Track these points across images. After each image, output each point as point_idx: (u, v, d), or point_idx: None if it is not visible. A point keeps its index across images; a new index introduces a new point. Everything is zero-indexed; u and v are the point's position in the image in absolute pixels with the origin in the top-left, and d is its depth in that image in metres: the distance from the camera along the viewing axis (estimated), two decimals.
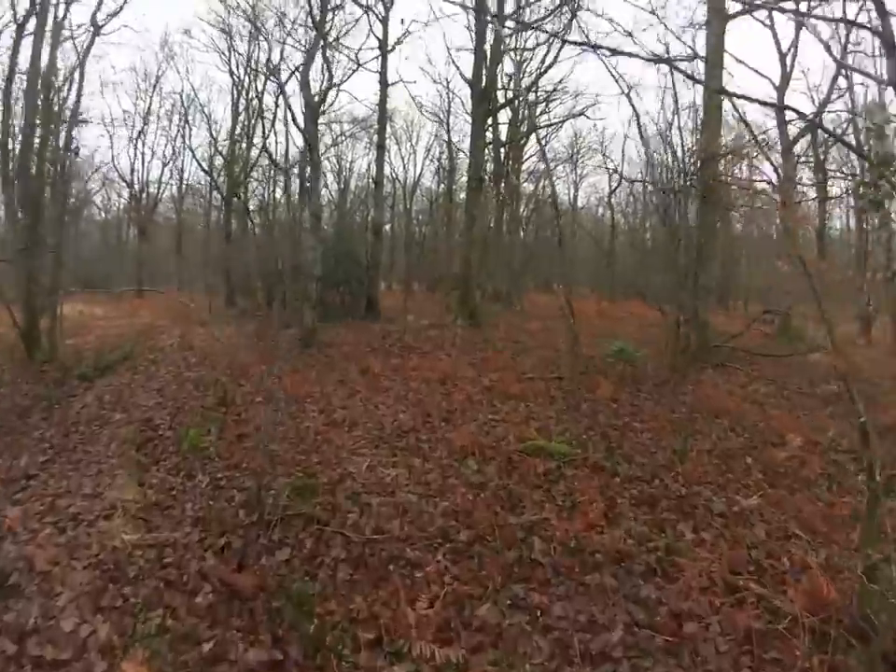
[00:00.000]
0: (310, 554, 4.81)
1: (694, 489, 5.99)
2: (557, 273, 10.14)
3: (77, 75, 16.10)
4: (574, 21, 18.46)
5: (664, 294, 16.99)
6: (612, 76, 14.46)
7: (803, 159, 20.50)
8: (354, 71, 20.09)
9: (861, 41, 16.95)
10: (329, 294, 19.28)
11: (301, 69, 15.97)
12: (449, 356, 12.34)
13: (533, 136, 25.31)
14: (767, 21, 18.87)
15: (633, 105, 10.89)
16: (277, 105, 22.41)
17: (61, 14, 15.34)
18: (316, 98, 15.42)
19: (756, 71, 18.77)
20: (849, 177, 22.09)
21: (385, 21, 20.08)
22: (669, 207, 12.74)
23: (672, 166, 13.55)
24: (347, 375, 10.71)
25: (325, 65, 15.99)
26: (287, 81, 21.28)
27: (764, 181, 18.12)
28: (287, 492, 5.61)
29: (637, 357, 10.93)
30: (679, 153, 13.43)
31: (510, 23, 17.22)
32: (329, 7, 15.41)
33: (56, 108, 15.61)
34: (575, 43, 19.61)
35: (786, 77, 19.07)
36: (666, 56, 14.70)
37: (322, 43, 15.52)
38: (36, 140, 14.62)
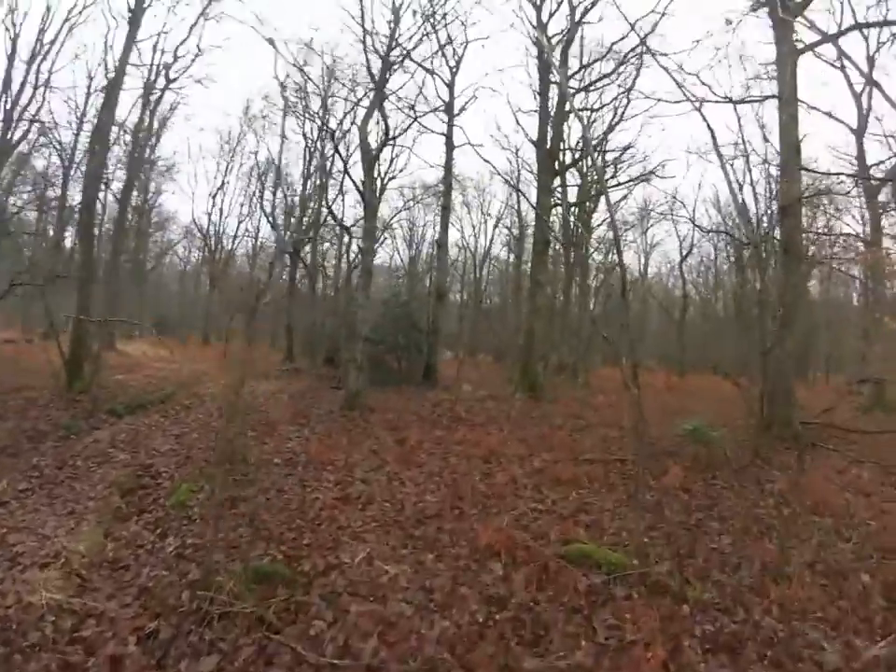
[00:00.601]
0: (242, 669, 3.52)
1: (795, 626, 4.33)
2: (623, 344, 8.93)
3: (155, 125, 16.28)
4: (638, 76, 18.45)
5: (739, 365, 15.44)
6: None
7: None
8: (409, 124, 19.47)
9: None
10: (386, 358, 18.40)
11: (359, 124, 15.46)
12: (501, 430, 11.05)
13: (602, 203, 24.31)
14: (837, 63, 17.55)
15: (714, 138, 9.71)
16: (344, 163, 21.99)
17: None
18: (373, 154, 14.75)
19: (830, 115, 17.59)
20: None
21: (451, 86, 19.73)
22: (749, 263, 11.44)
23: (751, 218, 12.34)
24: (382, 444, 9.61)
25: (381, 119, 15.35)
26: (342, 137, 21.09)
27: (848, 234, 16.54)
28: (245, 578, 4.34)
29: (714, 438, 9.34)
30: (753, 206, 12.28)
31: (573, 83, 16.69)
32: (390, 64, 14.84)
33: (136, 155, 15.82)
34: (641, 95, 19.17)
35: (863, 120, 17.71)
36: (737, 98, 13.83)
37: (381, 99, 14.94)
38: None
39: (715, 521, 6.56)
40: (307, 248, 26.29)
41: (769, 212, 12.93)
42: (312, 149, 26.08)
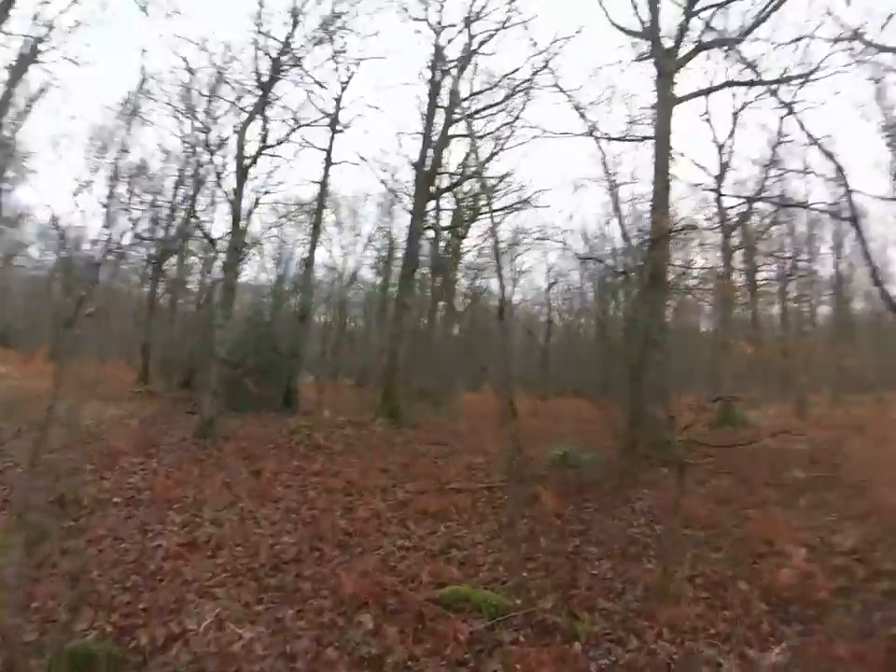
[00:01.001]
0: None
1: (689, 646, 4.14)
2: (493, 371, 8.64)
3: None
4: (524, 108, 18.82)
5: (602, 389, 15.82)
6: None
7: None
8: (289, 133, 18.53)
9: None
10: (245, 381, 17.26)
11: (236, 129, 14.54)
12: (362, 459, 10.45)
13: (473, 231, 24.46)
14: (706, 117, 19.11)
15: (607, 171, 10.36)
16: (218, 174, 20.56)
17: None
18: (247, 161, 13.84)
19: (694, 162, 19.27)
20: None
21: (338, 100, 19.02)
22: (618, 292, 11.84)
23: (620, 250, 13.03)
24: (235, 477, 8.75)
25: (262, 123, 14.51)
26: (220, 145, 19.67)
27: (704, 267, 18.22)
28: (59, 666, 3.53)
29: (584, 461, 9.27)
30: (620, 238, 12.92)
31: (460, 109, 16.72)
32: (279, 68, 14.19)
33: None
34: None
35: (723, 168, 19.43)
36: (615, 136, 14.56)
37: (264, 104, 14.15)
38: None
39: (592, 545, 6.35)
40: (172, 260, 24.49)
41: (636, 243, 13.67)
42: (188, 154, 24.17)
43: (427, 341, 23.83)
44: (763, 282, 21.75)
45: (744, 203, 19.09)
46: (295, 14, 14.52)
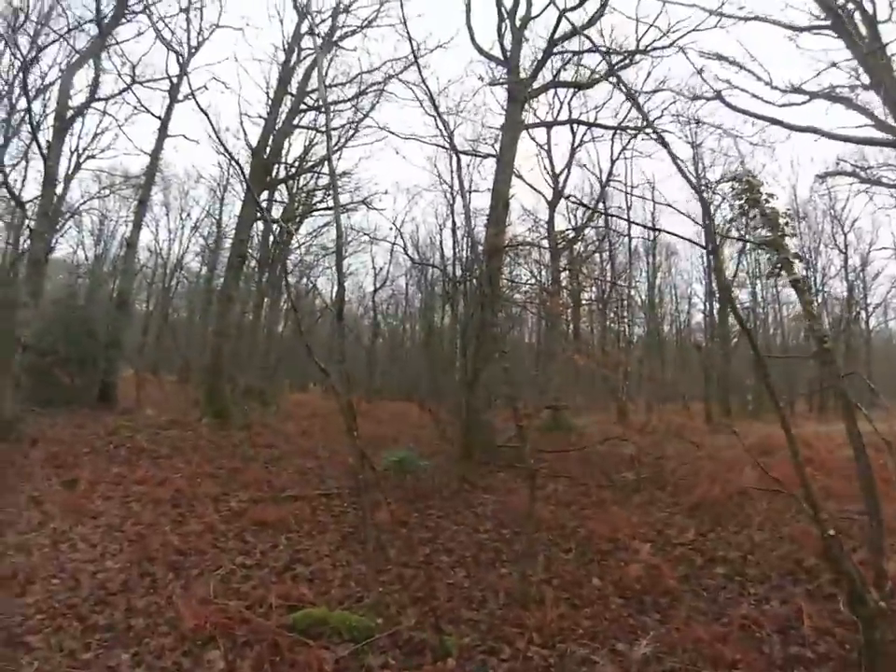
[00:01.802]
0: None
1: (561, 648, 4.06)
2: (331, 372, 8.20)
3: None
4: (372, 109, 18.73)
5: (433, 394, 15.96)
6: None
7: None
8: (125, 89, 16.51)
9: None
10: (55, 372, 15.30)
11: (63, 70, 12.54)
12: (189, 463, 9.59)
13: (303, 228, 23.67)
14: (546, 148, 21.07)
15: (461, 182, 10.75)
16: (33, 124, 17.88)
17: None
18: (71, 112, 12.10)
19: (532, 187, 22.16)
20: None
21: (184, 65, 17.26)
22: (450, 300, 12.11)
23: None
24: (46, 489, 7.62)
25: (95, 76, 12.76)
26: (43, 90, 17.07)
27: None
28: None
29: (421, 467, 9.11)
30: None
31: (308, 100, 16.14)
32: (124, 6, 12.50)
33: None
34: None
35: (557, 195, 20.83)
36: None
37: (100, 47, 12.43)
38: None
39: (443, 554, 6.16)
40: None
41: (471, 255, 14.28)
42: (2, 93, 20.74)
43: (252, 337, 22.72)
44: (586, 301, 23.26)
45: (572, 230, 21.01)
46: None
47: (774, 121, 12.12)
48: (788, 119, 12.40)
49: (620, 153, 21.50)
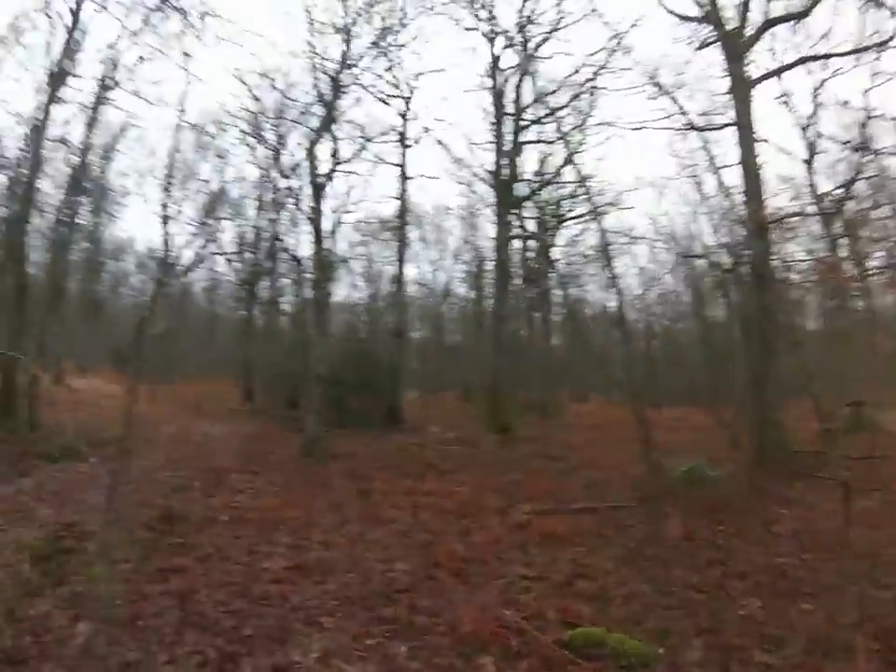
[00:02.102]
0: None
1: None
2: (620, 381, 7.95)
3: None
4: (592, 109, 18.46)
5: (715, 396, 14.97)
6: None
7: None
8: (360, 149, 18.55)
9: None
10: (347, 399, 17.22)
11: (308, 149, 14.67)
12: (475, 477, 10.00)
13: (559, 239, 23.87)
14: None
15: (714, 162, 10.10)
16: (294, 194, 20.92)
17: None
18: (321, 179, 14.00)
19: (780, 148, 18.91)
20: None
21: (404, 115, 19.10)
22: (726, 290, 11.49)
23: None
24: (344, 497, 8.48)
25: (333, 144, 14.69)
26: (294, 168, 20.06)
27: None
28: None
29: (711, 478, 8.47)
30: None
31: (525, 116, 16.46)
32: (339, 86, 14.46)
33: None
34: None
35: (812, 150, 18.50)
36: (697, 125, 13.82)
37: (330, 121, 14.44)
38: None
39: (735, 578, 5.54)
40: (264, 282, 25.28)
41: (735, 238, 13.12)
42: (265, 179, 25.04)
43: (527, 352, 23.25)
44: (873, 271, 19.70)
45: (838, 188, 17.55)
46: (347, 30, 14.69)
47: None
48: None
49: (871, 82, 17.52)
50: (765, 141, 16.45)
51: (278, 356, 23.02)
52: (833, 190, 18.17)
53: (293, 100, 18.24)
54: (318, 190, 13.84)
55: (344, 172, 19.86)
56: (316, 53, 14.23)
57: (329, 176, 15.01)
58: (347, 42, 14.51)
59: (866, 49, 14.49)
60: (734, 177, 13.91)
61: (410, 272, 32.86)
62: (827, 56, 15.62)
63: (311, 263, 15.97)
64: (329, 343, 16.64)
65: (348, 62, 14.62)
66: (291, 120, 19.14)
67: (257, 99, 20.19)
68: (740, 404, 11.36)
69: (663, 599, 4.99)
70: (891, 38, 13.38)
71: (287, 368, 20.90)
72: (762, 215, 11.61)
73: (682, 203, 27.96)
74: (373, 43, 15.63)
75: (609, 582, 5.42)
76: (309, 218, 14.50)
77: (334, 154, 14.99)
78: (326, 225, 15.15)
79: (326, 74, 14.34)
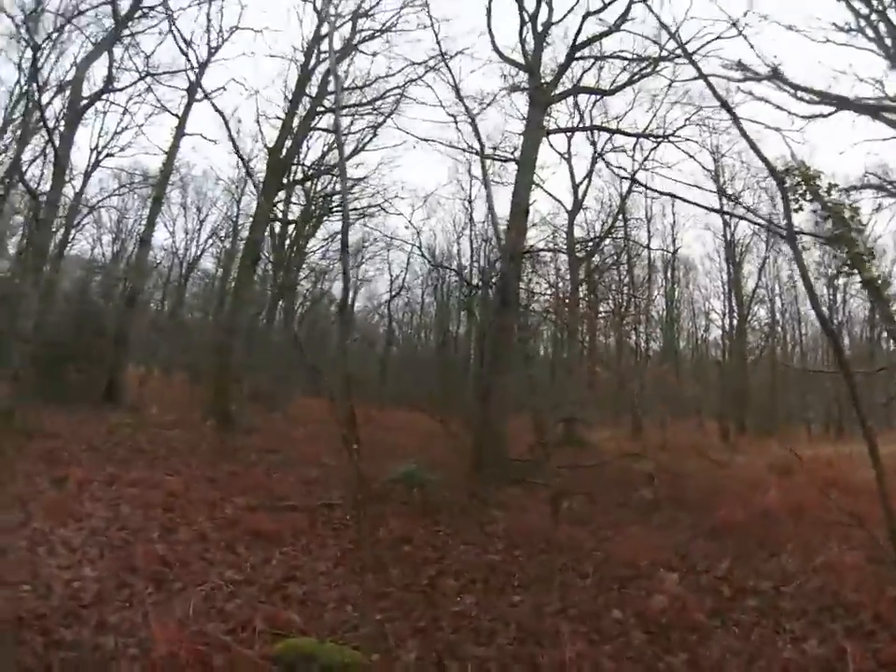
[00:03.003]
0: None
1: None
2: (330, 374, 7.75)
3: None
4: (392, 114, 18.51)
5: (445, 404, 15.62)
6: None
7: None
8: (137, 80, 16.26)
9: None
10: (65, 368, 15.02)
11: (78, 64, 12.36)
12: (188, 466, 9.18)
13: (321, 230, 23.46)
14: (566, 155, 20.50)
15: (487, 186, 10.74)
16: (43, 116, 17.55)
17: None
18: (84, 102, 11.91)
19: (552, 196, 20.88)
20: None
21: (203, 66, 17.00)
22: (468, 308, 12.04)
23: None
24: (37, 487, 7.22)
25: (109, 67, 12.59)
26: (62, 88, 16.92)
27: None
28: None
29: (430, 481, 8.60)
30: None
31: (326, 102, 15.92)
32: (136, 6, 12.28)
33: None
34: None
35: (577, 205, 20.43)
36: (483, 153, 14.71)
37: (114, 38, 12.27)
38: None
39: (450, 577, 5.61)
40: None
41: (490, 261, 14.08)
42: (24, 89, 20.42)
43: (264, 340, 22.38)
44: (603, 313, 22.63)
45: (592, 240, 20.65)
46: None
47: (835, 98, 10.39)
48: (809, 135, 11.78)
49: (641, 163, 20.67)
50: (541, 185, 18.19)
51: None
52: (586, 241, 21.14)
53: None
54: (75, 113, 11.57)
55: (120, 106, 17.25)
56: None
57: (93, 100, 12.76)
58: None
59: (647, 136, 17.00)
60: (503, 209, 14.82)
61: (161, 235, 29.82)
62: (614, 131, 18.06)
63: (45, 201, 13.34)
64: (48, 299, 14.40)
65: None
66: (68, 20, 15.72)
67: None
68: (468, 414, 11.90)
69: (378, 602, 4.84)
70: (671, 134, 16.02)
71: None
72: (517, 244, 12.21)
73: (449, 223, 29.29)
74: None
75: (322, 585, 5.19)
76: (53, 146, 11.96)
77: (109, 76, 12.76)
78: (81, 163, 12.64)
79: None
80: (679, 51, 12.69)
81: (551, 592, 5.14)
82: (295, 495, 8.30)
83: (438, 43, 10.67)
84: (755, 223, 16.76)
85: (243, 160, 19.16)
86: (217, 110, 6.16)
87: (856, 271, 5.52)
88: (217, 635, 3.96)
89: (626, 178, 19.95)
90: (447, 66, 10.52)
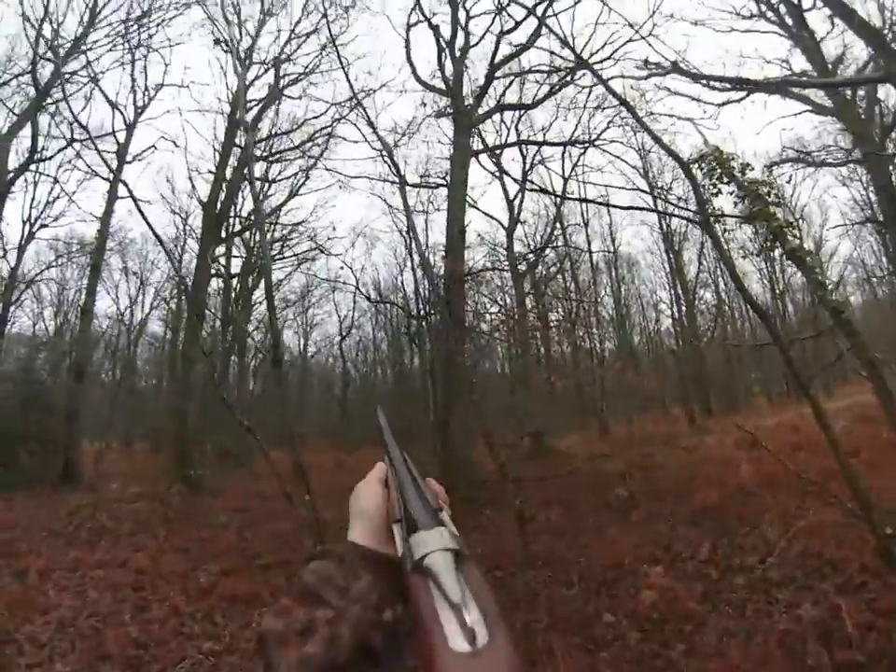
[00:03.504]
0: None
1: None
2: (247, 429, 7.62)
3: None
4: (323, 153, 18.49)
5: (409, 436, 15.60)
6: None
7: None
8: (63, 147, 15.96)
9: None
10: (15, 452, 14.47)
11: (1, 135, 12.12)
12: (155, 538, 8.90)
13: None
14: (498, 173, 20.32)
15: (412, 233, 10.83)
16: None
17: None
18: (11, 176, 11.63)
19: (488, 215, 21.07)
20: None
21: (131, 126, 16.80)
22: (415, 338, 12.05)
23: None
24: None
25: (33, 136, 12.36)
26: None
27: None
28: None
29: None
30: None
31: (256, 151, 15.85)
32: (60, 69, 11.93)
33: None
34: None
35: (514, 220, 20.63)
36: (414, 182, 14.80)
37: (38, 107, 11.97)
38: None
39: None
40: None
41: (431, 288, 14.15)
42: None
43: (219, 397, 21.95)
44: (554, 322, 22.80)
45: (532, 251, 20.85)
46: (92, 10, 12.56)
47: (737, 81, 10.82)
48: (727, 120, 12.22)
49: (571, 171, 21.11)
50: (474, 205, 18.48)
51: None
52: (526, 254, 21.11)
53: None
54: (4, 189, 11.28)
55: (49, 177, 16.90)
56: (44, 18, 11.74)
57: (19, 173, 12.46)
58: (90, 22, 12.27)
59: (574, 143, 17.32)
60: (443, 236, 14.93)
61: (104, 304, 29.18)
62: (540, 143, 18.35)
63: None
64: None
65: (82, 46, 12.24)
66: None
67: None
68: (430, 442, 11.85)
69: None
70: (596, 138, 16.30)
71: None
72: (458, 267, 12.28)
73: (391, 256, 29.38)
74: (118, 29, 13.34)
75: None
76: None
77: (33, 147, 12.52)
78: (14, 236, 12.25)
79: (51, 52, 11.78)
80: (592, 59, 13.17)
81: (538, 608, 5.13)
82: (268, 552, 8.12)
83: (349, 83, 10.70)
84: (676, 216, 17.05)
85: (177, 213, 19.05)
86: (134, 200, 6.14)
87: (778, 243, 5.69)
88: None
89: (555, 195, 20.38)
90: (361, 106, 10.53)
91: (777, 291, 29.43)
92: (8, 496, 12.03)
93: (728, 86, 12.36)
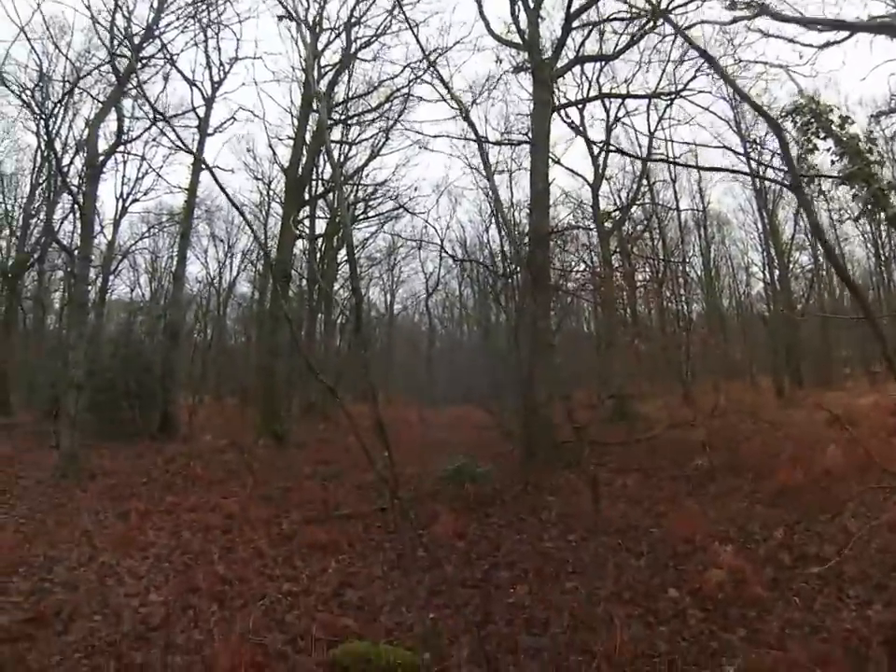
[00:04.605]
0: None
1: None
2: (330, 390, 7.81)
3: None
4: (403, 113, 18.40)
5: (494, 394, 15.69)
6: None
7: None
8: (148, 127, 16.97)
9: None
10: (119, 407, 15.62)
11: (89, 123, 12.88)
12: (243, 486, 9.44)
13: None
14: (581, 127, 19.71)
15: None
16: (61, 172, 18.22)
17: None
18: (100, 158, 12.37)
19: (573, 171, 20.90)
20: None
21: (210, 100, 17.61)
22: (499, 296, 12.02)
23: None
24: (101, 522, 7.56)
25: (119, 121, 13.11)
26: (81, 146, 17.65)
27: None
28: None
29: (480, 474, 8.60)
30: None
31: (334, 114, 16.07)
32: (140, 56, 12.59)
33: None
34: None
35: (599, 176, 20.14)
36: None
37: (119, 95, 12.65)
38: None
39: (503, 569, 5.70)
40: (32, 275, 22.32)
41: (517, 246, 14.04)
42: (45, 154, 21.31)
43: (308, 354, 22.74)
44: (640, 283, 22.14)
45: (618, 209, 20.39)
46: None
47: (836, 24, 9.75)
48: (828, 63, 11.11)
49: (657, 125, 19.98)
50: (558, 161, 18.05)
51: (40, 360, 20.40)
52: (612, 212, 20.55)
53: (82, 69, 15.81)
54: (94, 170, 11.95)
55: (137, 155, 17.77)
56: (118, 6, 12.01)
57: (108, 155, 13.27)
58: (159, 9, 12.55)
59: (658, 95, 16.66)
60: (527, 193, 14.68)
61: (195, 269, 30.83)
62: (623, 96, 17.83)
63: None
64: (96, 345, 14.98)
65: (155, 31, 12.60)
66: (74, 84, 16.52)
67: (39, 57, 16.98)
68: (514, 402, 11.94)
69: (433, 599, 4.99)
70: (682, 89, 15.64)
71: (49, 374, 18.49)
72: (543, 225, 12.12)
73: (476, 214, 29.22)
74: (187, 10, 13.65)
75: (378, 589, 5.34)
76: (77, 203, 12.49)
77: (119, 130, 13.35)
78: (110, 212, 13.19)
79: (127, 41, 12.19)
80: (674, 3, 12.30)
81: (604, 576, 5.19)
82: (349, 503, 8.48)
83: (419, 44, 10.55)
84: (763, 178, 15.94)
85: (258, 178, 19.64)
86: (212, 173, 6.41)
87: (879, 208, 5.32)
88: (276, 646, 4.16)
89: (638, 158, 19.63)
90: (434, 67, 10.42)
91: (883, 257, 27.09)
92: (112, 446, 13.04)
93: (828, 28, 11.36)
